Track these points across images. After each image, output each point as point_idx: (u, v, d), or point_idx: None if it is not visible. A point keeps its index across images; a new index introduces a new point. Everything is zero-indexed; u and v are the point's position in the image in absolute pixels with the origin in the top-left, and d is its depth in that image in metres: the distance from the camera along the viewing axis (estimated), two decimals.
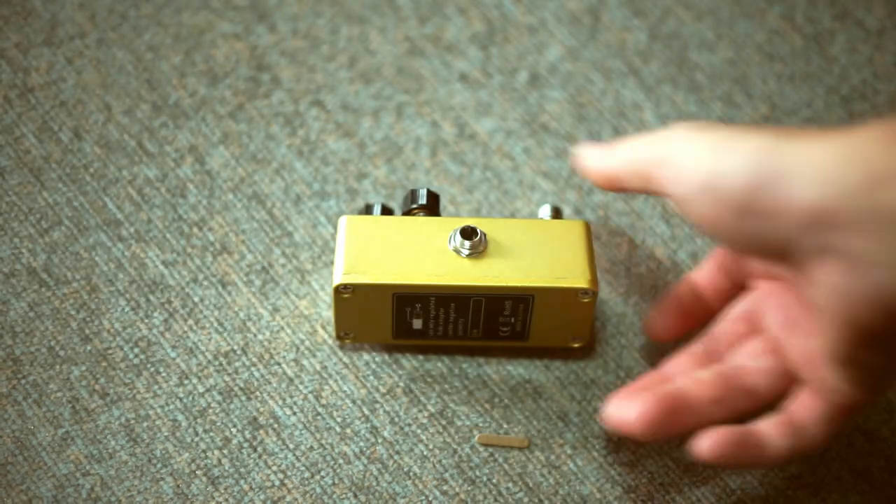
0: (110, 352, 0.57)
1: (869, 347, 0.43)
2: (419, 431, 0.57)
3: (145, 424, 0.56)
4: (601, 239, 0.61)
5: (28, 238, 0.59)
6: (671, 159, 0.46)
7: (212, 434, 0.56)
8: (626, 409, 0.49)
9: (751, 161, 0.42)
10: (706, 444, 0.48)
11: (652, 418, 0.48)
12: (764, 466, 0.55)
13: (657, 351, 0.58)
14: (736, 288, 0.55)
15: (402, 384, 0.57)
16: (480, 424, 0.57)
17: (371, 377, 0.57)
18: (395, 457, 0.56)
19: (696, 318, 0.55)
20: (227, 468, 0.55)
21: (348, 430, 0.56)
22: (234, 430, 0.56)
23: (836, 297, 0.42)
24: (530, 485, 0.56)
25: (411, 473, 0.56)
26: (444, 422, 0.57)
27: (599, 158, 0.51)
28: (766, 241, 0.43)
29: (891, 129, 0.40)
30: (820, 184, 0.40)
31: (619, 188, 0.51)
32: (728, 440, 0.48)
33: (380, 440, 0.56)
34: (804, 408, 0.50)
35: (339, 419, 0.56)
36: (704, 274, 0.55)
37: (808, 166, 0.41)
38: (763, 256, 0.47)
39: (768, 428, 0.49)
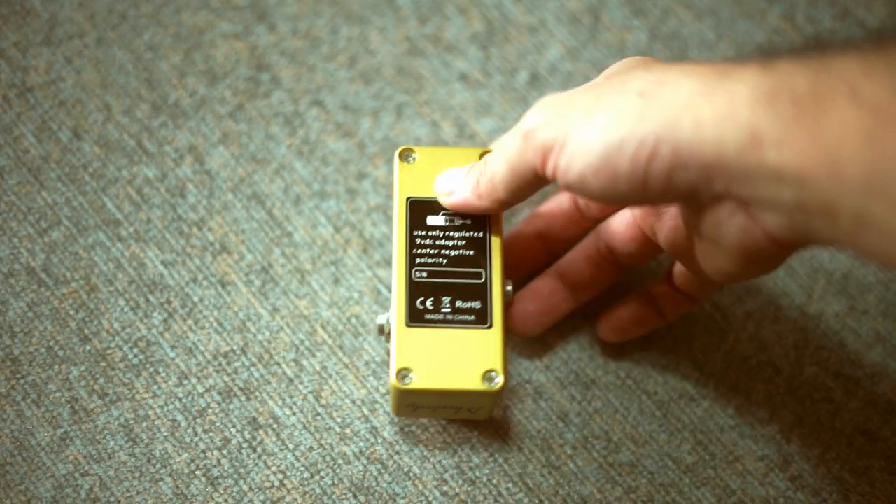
0: (109, 352, 0.57)
1: (752, 267, 0.47)
2: (419, 432, 0.56)
3: (144, 425, 0.56)
4: None
5: (27, 238, 0.59)
6: (557, 149, 0.47)
7: (211, 434, 0.56)
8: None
9: (642, 131, 0.44)
10: (605, 329, 0.58)
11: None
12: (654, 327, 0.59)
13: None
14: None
15: None
16: (480, 424, 0.57)
17: (371, 377, 0.57)
18: (395, 457, 0.56)
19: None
20: (226, 468, 0.55)
21: (348, 431, 0.56)
22: (233, 431, 0.56)
23: (734, 232, 0.45)
24: (530, 485, 0.56)
25: (411, 474, 0.56)
26: (443, 421, 0.57)
27: (464, 189, 0.54)
28: (667, 197, 0.45)
29: (763, 87, 0.42)
30: (711, 143, 0.43)
31: (501, 207, 0.53)
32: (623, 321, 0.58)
33: (379, 440, 0.56)
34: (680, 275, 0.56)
35: (338, 419, 0.56)
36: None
37: (695, 129, 0.43)
38: (662, 205, 0.51)
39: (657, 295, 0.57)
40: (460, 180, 0.53)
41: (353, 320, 0.58)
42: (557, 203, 0.58)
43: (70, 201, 0.60)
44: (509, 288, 0.54)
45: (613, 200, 0.46)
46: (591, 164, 0.45)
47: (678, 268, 0.56)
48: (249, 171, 0.61)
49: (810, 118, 0.41)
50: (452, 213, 0.54)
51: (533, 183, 0.49)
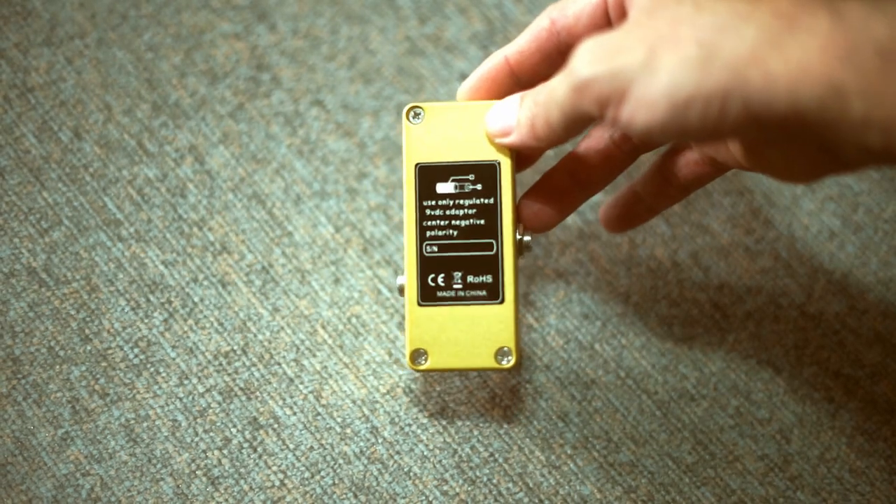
0: (110, 352, 0.57)
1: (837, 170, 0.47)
2: (419, 431, 0.56)
3: (145, 424, 0.56)
4: (601, 239, 0.61)
5: (28, 238, 0.59)
6: (616, 101, 0.45)
7: (212, 434, 0.56)
8: None
9: (709, 86, 0.43)
10: (603, 217, 0.57)
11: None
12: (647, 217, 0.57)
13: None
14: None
15: (402, 384, 0.57)
16: (480, 424, 0.57)
17: (371, 377, 0.57)
18: (396, 457, 0.56)
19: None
20: (227, 468, 0.55)
21: (348, 430, 0.56)
22: (234, 431, 0.56)
23: (811, 155, 0.46)
24: (530, 485, 0.56)
25: (411, 473, 0.56)
26: (444, 422, 0.57)
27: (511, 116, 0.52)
28: (739, 138, 0.46)
29: (838, 39, 0.41)
30: (786, 98, 0.42)
31: (558, 144, 0.51)
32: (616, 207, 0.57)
33: (380, 440, 0.56)
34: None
35: (339, 419, 0.56)
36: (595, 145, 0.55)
37: (766, 84, 0.42)
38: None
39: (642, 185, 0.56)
40: (513, 118, 0.52)
41: (354, 320, 0.58)
42: (595, 141, 0.55)
43: (71, 201, 0.60)
44: (528, 238, 0.53)
45: (678, 143, 0.45)
46: (657, 120, 0.44)
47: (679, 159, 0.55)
48: (250, 171, 0.61)
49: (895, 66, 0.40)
50: (462, 178, 0.53)
51: (590, 124, 0.48)
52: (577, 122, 0.48)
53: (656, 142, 0.46)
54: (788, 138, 0.44)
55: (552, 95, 0.48)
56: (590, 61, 0.46)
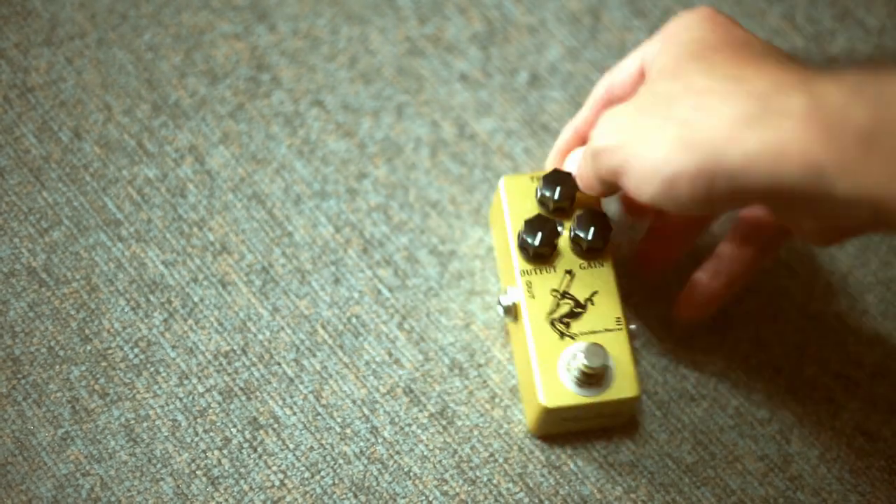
0: (110, 352, 0.57)
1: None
2: (419, 431, 0.56)
3: (145, 424, 0.56)
4: None
5: (28, 238, 0.59)
6: (622, 174, 0.48)
7: (212, 434, 0.56)
8: None
9: (691, 163, 0.45)
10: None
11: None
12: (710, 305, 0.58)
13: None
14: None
15: (402, 384, 0.57)
16: (480, 425, 0.57)
17: (371, 377, 0.57)
18: (396, 457, 0.56)
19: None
20: (226, 468, 0.55)
21: (348, 431, 0.56)
22: (234, 431, 0.56)
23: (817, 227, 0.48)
24: (530, 485, 0.56)
25: (411, 474, 0.56)
26: (444, 422, 0.57)
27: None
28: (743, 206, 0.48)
29: (814, 119, 0.43)
30: (767, 175, 0.44)
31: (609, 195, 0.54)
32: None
33: (380, 440, 0.56)
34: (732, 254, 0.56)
35: (339, 419, 0.56)
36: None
37: (745, 160, 0.44)
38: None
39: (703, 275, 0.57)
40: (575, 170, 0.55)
41: (354, 320, 0.58)
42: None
43: (71, 201, 0.60)
44: (633, 327, 0.56)
45: (698, 214, 0.48)
46: (657, 193, 0.46)
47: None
48: (250, 171, 0.61)
49: (878, 148, 0.41)
50: None
51: (617, 187, 0.51)
52: (604, 185, 0.51)
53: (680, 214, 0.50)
54: (786, 208, 0.46)
55: (583, 159, 0.52)
56: (602, 133, 0.50)
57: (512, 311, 0.55)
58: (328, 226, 0.60)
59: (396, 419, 0.57)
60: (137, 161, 0.61)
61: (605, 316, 0.55)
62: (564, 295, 0.55)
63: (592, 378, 0.53)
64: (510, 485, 0.56)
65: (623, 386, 0.54)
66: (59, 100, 0.62)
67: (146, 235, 0.59)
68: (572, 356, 0.53)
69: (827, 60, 0.63)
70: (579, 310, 0.55)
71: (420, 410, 0.57)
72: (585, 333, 0.54)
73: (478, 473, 0.56)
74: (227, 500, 0.54)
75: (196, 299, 0.58)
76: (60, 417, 0.55)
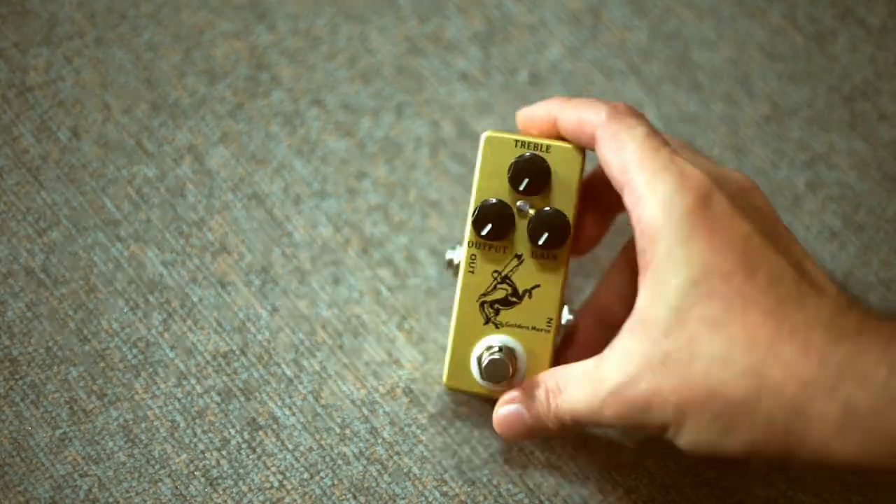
0: (108, 352, 0.57)
1: None
2: (419, 432, 0.56)
3: (143, 425, 0.55)
4: (601, 239, 0.61)
5: (26, 238, 0.59)
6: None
7: (210, 435, 0.56)
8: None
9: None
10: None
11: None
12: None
13: None
14: None
15: (401, 384, 0.57)
16: (480, 425, 0.57)
17: (370, 377, 0.57)
18: (395, 458, 0.56)
19: None
20: (225, 469, 0.55)
21: (348, 431, 0.56)
22: (232, 431, 0.56)
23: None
24: (531, 486, 0.56)
25: (411, 474, 0.56)
26: (444, 422, 0.57)
27: None
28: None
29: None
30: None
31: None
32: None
33: (379, 441, 0.56)
34: None
35: (338, 420, 0.56)
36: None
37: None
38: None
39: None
40: None
41: (353, 320, 0.58)
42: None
43: (69, 201, 0.60)
44: (570, 317, 0.54)
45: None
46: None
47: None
48: (249, 171, 0.61)
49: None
50: None
51: None
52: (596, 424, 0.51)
53: None
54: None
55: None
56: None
57: (454, 268, 0.53)
58: (328, 226, 0.60)
59: (396, 420, 0.56)
60: (136, 161, 0.61)
61: (537, 313, 0.53)
62: (505, 279, 0.53)
63: (495, 377, 0.52)
64: (510, 485, 0.56)
65: None
66: (57, 99, 0.62)
67: (145, 235, 0.59)
68: (486, 348, 0.52)
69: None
70: (514, 299, 0.53)
71: (420, 411, 0.57)
72: (512, 326, 0.53)
73: (478, 474, 0.56)
74: (225, 501, 0.54)
75: (195, 299, 0.58)
76: (58, 418, 0.55)
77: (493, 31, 0.65)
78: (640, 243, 0.48)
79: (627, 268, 0.55)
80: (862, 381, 0.44)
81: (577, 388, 0.49)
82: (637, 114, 0.50)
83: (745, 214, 0.47)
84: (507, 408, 0.52)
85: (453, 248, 0.54)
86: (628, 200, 0.48)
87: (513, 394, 0.52)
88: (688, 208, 0.47)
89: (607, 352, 0.48)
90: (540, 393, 0.51)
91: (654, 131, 0.49)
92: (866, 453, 0.44)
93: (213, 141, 0.62)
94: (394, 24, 0.65)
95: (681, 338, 0.46)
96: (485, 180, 0.53)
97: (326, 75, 0.64)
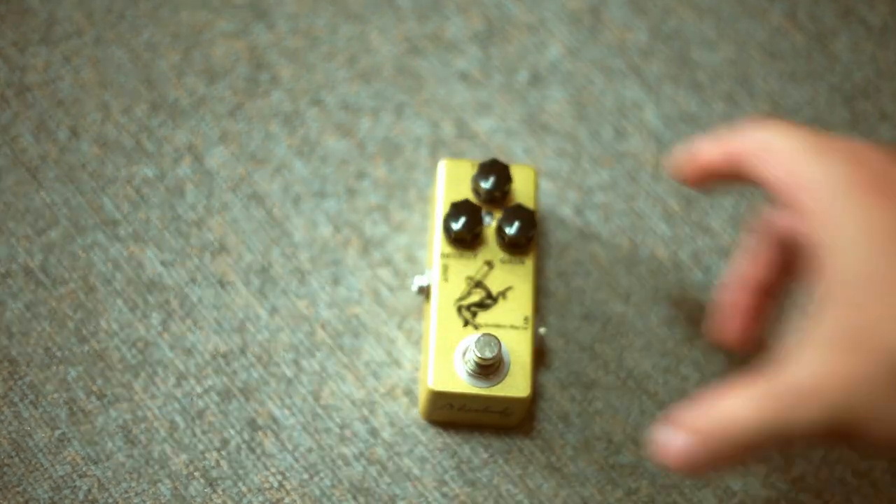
0: (108, 352, 0.57)
1: None
2: (419, 433, 0.56)
3: (143, 426, 0.55)
4: (601, 239, 0.61)
5: (25, 238, 0.59)
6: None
7: (210, 435, 0.55)
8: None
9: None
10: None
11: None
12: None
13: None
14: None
15: (401, 385, 0.57)
16: (480, 426, 0.57)
17: (370, 378, 0.57)
18: (395, 458, 0.56)
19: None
20: (225, 470, 0.55)
21: (347, 432, 0.56)
22: (232, 432, 0.56)
23: None
24: (531, 486, 0.56)
25: (411, 475, 0.56)
26: (444, 422, 0.57)
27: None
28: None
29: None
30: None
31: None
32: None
33: (379, 441, 0.56)
34: None
35: (338, 420, 0.56)
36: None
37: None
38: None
39: None
40: None
41: (353, 320, 0.58)
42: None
43: (68, 201, 0.59)
44: (542, 330, 0.56)
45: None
46: None
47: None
48: (249, 171, 0.61)
49: None
50: None
51: None
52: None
53: None
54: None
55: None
56: None
57: (425, 292, 0.56)
58: (327, 225, 0.60)
59: (396, 420, 0.56)
60: (136, 160, 0.61)
61: (513, 312, 0.55)
62: (478, 284, 0.55)
63: (485, 370, 0.53)
64: (510, 486, 0.56)
65: (515, 384, 0.53)
66: (56, 98, 0.61)
67: (144, 235, 0.59)
68: (469, 345, 0.53)
69: None
70: (489, 301, 0.55)
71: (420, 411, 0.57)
72: (490, 326, 0.54)
73: (478, 475, 0.56)
74: (225, 502, 0.54)
75: (194, 299, 0.58)
76: (57, 418, 0.55)
77: (493, 30, 0.65)
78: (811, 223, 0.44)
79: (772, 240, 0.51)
80: None
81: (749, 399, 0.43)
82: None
83: None
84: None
85: (420, 274, 0.57)
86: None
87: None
88: (852, 177, 0.44)
89: (784, 351, 0.43)
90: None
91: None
92: None
93: (213, 141, 0.61)
94: (393, 24, 0.65)
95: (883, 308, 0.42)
96: (446, 202, 0.56)
97: (326, 75, 0.63)
